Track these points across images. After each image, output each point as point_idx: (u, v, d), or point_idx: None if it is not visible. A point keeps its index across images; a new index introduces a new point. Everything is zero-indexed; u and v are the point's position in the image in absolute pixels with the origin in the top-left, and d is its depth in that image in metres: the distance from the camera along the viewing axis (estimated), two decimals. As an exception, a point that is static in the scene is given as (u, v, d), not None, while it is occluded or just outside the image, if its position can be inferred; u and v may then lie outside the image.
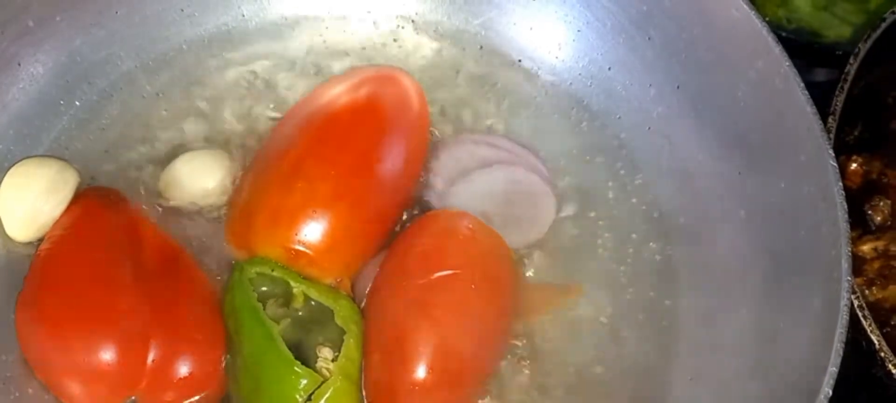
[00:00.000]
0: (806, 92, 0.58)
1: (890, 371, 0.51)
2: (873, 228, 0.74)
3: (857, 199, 0.75)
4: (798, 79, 0.58)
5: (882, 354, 0.52)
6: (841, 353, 0.48)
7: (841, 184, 0.54)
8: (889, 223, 0.74)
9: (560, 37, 0.74)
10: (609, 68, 0.73)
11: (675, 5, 0.66)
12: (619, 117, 0.72)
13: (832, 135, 0.62)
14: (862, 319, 0.53)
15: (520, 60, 0.74)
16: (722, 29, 0.63)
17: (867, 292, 0.70)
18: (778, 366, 0.54)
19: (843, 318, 0.49)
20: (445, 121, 0.71)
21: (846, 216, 0.54)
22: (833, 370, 0.48)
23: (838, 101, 0.62)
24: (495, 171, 0.69)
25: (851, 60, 0.65)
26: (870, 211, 0.75)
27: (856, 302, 0.54)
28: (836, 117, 0.62)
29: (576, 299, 0.65)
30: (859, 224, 0.74)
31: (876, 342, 0.52)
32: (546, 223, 0.67)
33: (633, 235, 0.69)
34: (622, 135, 0.72)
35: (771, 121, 0.60)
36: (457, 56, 0.74)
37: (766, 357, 0.56)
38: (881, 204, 0.75)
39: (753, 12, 0.61)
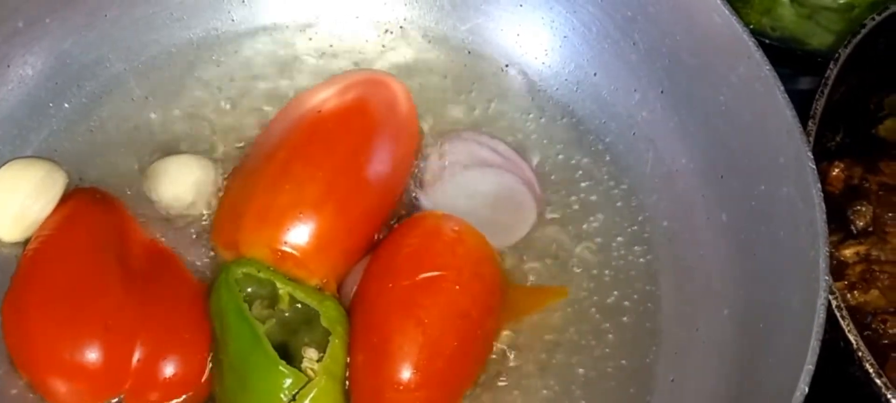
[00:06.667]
0: (786, 96, 0.59)
1: (867, 370, 0.52)
2: (855, 233, 0.75)
3: (839, 204, 0.76)
4: (778, 83, 0.59)
5: (860, 353, 0.53)
6: (817, 352, 0.49)
7: (819, 186, 0.55)
8: (871, 228, 0.75)
9: (546, 42, 0.74)
10: (594, 73, 0.74)
11: (658, 11, 0.67)
12: (604, 122, 0.73)
13: (812, 139, 0.62)
14: (840, 319, 0.54)
15: (507, 65, 0.75)
16: (704, 34, 0.64)
17: (849, 296, 0.71)
18: (757, 365, 0.54)
19: (819, 317, 0.50)
20: (433, 125, 0.72)
21: (824, 217, 0.55)
22: (809, 367, 0.48)
23: (818, 105, 0.63)
24: (486, 174, 0.70)
25: (831, 65, 0.66)
26: (852, 216, 0.76)
27: (834, 303, 0.54)
28: (816, 121, 0.63)
29: (559, 301, 0.66)
30: (841, 228, 0.75)
31: (853, 341, 0.53)
32: (521, 232, 0.68)
33: (619, 238, 0.69)
34: (607, 139, 0.73)
35: (752, 124, 0.61)
36: (444, 61, 0.75)
37: (746, 356, 0.56)
38: (863, 209, 0.76)
39: (735, 18, 0.62)
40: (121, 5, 0.71)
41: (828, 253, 0.52)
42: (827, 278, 0.51)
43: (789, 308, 0.54)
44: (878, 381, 0.51)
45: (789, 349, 0.51)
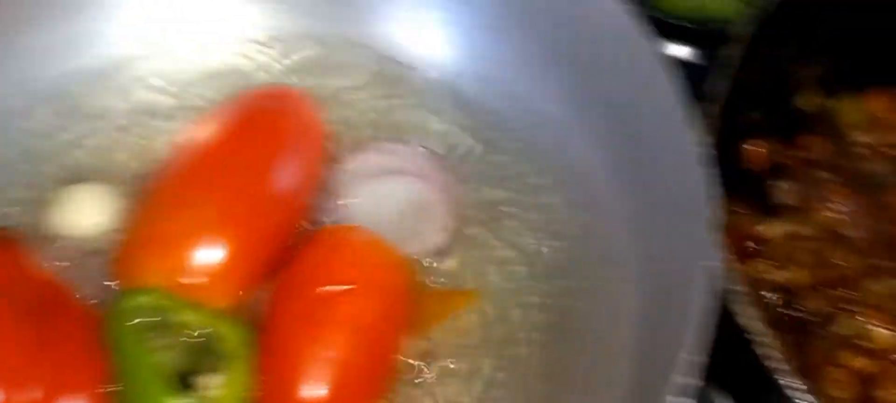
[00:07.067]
0: (675, 81, 0.58)
1: (760, 354, 0.51)
2: (780, 211, 0.74)
3: (763, 182, 0.75)
4: (667, 68, 0.58)
5: (752, 336, 0.51)
6: (705, 341, 0.48)
7: (709, 169, 0.54)
8: (796, 205, 0.75)
9: (450, 40, 0.73)
10: (503, 70, 0.72)
11: (551, 3, 0.66)
12: (516, 117, 0.72)
13: (714, 119, 0.61)
14: (734, 303, 0.52)
15: (413, 68, 0.73)
16: (595, 25, 0.64)
17: (775, 275, 0.70)
18: (657, 356, 0.53)
19: (704, 305, 0.49)
20: (344, 136, 0.70)
21: (714, 203, 0.53)
22: (694, 357, 0.47)
23: (718, 84, 0.62)
24: (399, 182, 0.68)
25: (732, 42, 0.64)
26: (776, 194, 0.75)
27: (737, 287, 0.53)
28: (718, 101, 0.61)
29: (474, 304, 0.64)
30: (765, 207, 0.74)
31: (746, 325, 0.51)
32: (437, 237, 0.67)
33: (536, 234, 0.68)
34: (521, 134, 0.71)
35: (647, 111, 0.60)
36: (352, 69, 0.73)
37: (649, 348, 0.55)
38: (787, 186, 0.75)
39: (621, 5, 0.60)
40: (11, 37, 0.69)
41: (718, 239, 0.51)
42: (717, 264, 0.50)
43: (684, 296, 0.52)
44: (768, 364, 0.50)
45: (684, 339, 0.49)
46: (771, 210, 0.74)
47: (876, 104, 0.79)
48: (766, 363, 0.49)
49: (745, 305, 0.52)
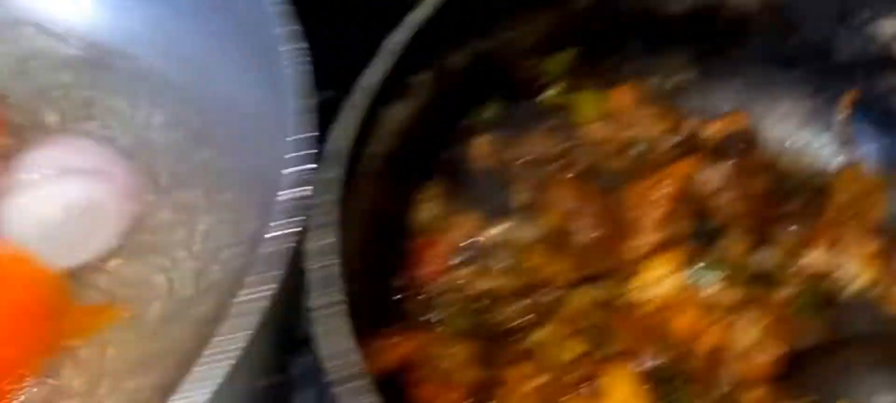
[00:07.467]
0: (292, 86, 0.54)
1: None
2: (508, 213, 0.70)
3: (492, 182, 0.71)
4: (294, 67, 0.54)
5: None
6: (227, 368, 0.44)
7: (306, 172, 0.50)
8: (523, 206, 0.71)
9: (151, 26, 0.69)
10: (208, 60, 0.68)
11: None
12: (218, 110, 0.67)
13: (358, 111, 0.56)
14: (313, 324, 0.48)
15: (108, 54, 0.69)
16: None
17: (478, 282, 0.66)
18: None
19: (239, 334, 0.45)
20: (15, 128, 0.65)
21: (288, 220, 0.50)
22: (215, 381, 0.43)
23: (370, 75, 0.56)
24: (68, 183, 0.63)
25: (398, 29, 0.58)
26: (505, 196, 0.71)
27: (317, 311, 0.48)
28: (369, 89, 0.56)
29: (127, 319, 0.60)
30: (500, 210, 0.70)
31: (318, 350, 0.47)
32: (106, 245, 0.63)
33: (219, 239, 0.64)
34: (221, 127, 0.67)
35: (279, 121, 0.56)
36: (33, 54, 0.69)
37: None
38: (515, 186, 0.71)
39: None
40: None
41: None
42: (267, 291, 0.46)
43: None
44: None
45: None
46: (504, 213, 0.70)
47: (620, 98, 0.75)
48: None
49: (326, 325, 0.47)
